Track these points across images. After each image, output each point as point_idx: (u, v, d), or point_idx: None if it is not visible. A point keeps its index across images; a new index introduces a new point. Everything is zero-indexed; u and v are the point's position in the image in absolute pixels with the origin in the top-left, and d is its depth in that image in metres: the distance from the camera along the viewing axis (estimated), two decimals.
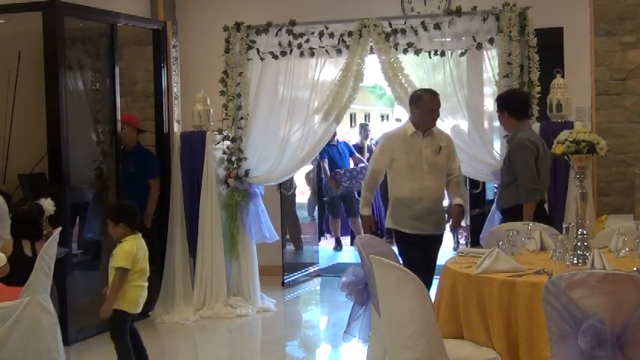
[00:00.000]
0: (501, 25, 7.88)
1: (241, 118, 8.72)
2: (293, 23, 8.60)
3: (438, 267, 6.06)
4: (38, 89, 7.45)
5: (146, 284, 6.26)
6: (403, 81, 8.19)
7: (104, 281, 8.24)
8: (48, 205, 6.55)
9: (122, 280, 6.07)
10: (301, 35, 8.56)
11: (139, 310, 6.32)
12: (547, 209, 7.13)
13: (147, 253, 6.21)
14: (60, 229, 6.29)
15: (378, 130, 17.35)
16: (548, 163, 6.88)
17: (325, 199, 13.03)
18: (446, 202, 7.23)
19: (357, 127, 14.74)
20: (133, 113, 8.99)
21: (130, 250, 6.06)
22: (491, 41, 8.00)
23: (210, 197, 8.61)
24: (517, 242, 5.07)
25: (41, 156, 7.64)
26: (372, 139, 14.43)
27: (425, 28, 8.16)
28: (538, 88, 7.78)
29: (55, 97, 7.37)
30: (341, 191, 12.41)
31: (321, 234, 13.11)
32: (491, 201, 8.98)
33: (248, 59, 8.74)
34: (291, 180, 9.96)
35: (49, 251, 6.03)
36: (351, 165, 12.89)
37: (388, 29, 8.27)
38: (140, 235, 6.19)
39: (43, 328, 6.04)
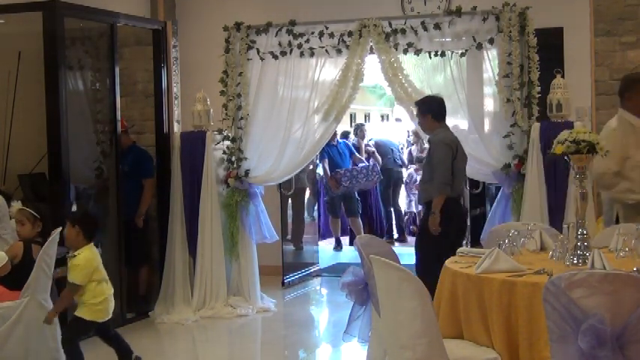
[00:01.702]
0: (501, 25, 7.88)
1: (241, 118, 8.72)
2: (293, 23, 8.60)
3: None
4: (38, 89, 7.44)
5: (111, 291, 6.18)
6: (403, 81, 8.19)
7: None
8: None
9: (72, 295, 6.03)
10: (301, 35, 8.56)
11: (107, 317, 6.20)
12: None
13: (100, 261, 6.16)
14: (60, 229, 6.29)
15: (376, 131, 17.36)
16: (464, 163, 7.43)
17: (325, 198, 13.04)
18: None
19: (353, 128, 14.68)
20: (132, 113, 9.00)
21: (86, 265, 5.96)
22: (491, 41, 8.00)
23: (210, 197, 8.60)
24: (517, 242, 5.08)
25: (41, 156, 7.64)
26: (370, 139, 14.42)
27: (425, 28, 8.16)
28: (538, 88, 7.79)
29: (55, 97, 7.36)
30: (341, 191, 12.41)
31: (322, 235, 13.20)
32: (492, 201, 8.97)
33: (248, 59, 8.75)
34: (291, 180, 9.95)
35: (49, 251, 6.04)
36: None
37: (388, 29, 8.27)
38: (93, 244, 6.12)
39: (43, 328, 6.05)
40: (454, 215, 7.28)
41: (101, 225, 6.33)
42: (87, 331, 6.24)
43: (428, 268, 7.09)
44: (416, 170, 13.50)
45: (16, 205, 6.46)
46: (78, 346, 6.12)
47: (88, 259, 5.96)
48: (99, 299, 6.03)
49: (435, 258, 7.00)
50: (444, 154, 7.22)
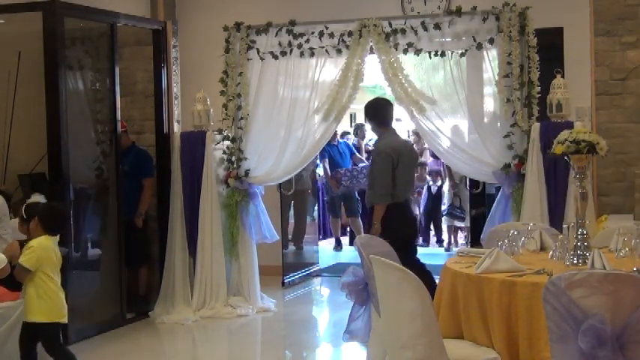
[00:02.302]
0: (501, 25, 7.88)
1: (241, 118, 8.72)
2: (293, 23, 8.60)
3: None
4: (38, 89, 7.44)
5: (61, 293, 5.83)
6: (403, 81, 8.19)
7: (104, 281, 8.32)
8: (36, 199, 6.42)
9: (19, 277, 5.72)
10: (301, 35, 8.56)
11: (62, 319, 5.84)
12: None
13: (59, 260, 5.85)
14: None
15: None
16: (412, 166, 7.75)
17: (325, 198, 13.04)
18: None
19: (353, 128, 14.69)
20: (132, 113, 8.99)
21: (38, 250, 5.68)
22: (491, 41, 8.00)
23: (210, 197, 8.60)
24: (517, 242, 5.08)
25: (41, 156, 7.63)
26: (370, 139, 14.40)
27: (425, 28, 8.16)
28: (538, 88, 7.79)
29: (55, 97, 7.36)
30: (341, 191, 12.41)
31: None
32: (492, 201, 8.96)
33: (248, 59, 8.74)
34: (291, 180, 9.95)
35: None
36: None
37: (388, 29, 8.27)
38: (56, 239, 5.85)
39: None
40: (400, 220, 7.50)
41: (66, 220, 6.05)
42: (56, 332, 5.86)
43: None
44: None
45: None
46: (64, 348, 5.98)
47: (42, 245, 5.72)
48: (44, 296, 5.70)
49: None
50: (383, 164, 7.46)
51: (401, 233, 7.36)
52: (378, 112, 7.76)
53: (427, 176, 12.99)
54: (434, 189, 12.93)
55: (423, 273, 7.51)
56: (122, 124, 8.44)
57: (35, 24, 7.41)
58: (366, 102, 7.93)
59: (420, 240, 12.69)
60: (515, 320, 4.29)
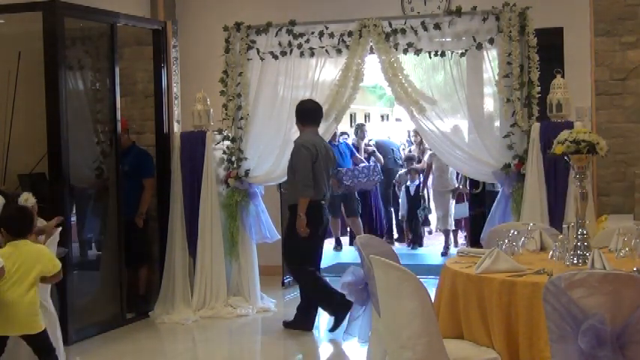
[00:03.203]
0: (501, 25, 7.88)
1: (241, 118, 8.72)
2: (293, 23, 8.60)
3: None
4: (38, 89, 7.44)
5: (27, 298, 5.44)
6: (403, 81, 8.19)
7: (104, 281, 8.32)
8: (24, 200, 6.35)
9: None
10: (301, 35, 8.56)
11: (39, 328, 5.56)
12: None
13: (26, 263, 5.45)
14: (60, 228, 6.29)
15: (376, 131, 17.36)
16: (329, 166, 7.91)
17: None
18: None
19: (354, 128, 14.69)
20: (132, 113, 8.99)
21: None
22: (491, 41, 8.00)
23: (210, 197, 8.60)
24: (517, 242, 5.08)
25: (41, 156, 7.63)
26: (370, 139, 14.41)
27: (425, 28, 8.16)
28: (538, 88, 7.79)
29: (55, 97, 7.36)
30: (342, 190, 12.40)
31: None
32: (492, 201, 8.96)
33: (248, 59, 8.74)
34: None
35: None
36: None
37: (388, 29, 8.27)
38: (26, 242, 5.52)
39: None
40: (316, 218, 7.76)
41: (27, 220, 5.61)
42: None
43: (295, 270, 7.86)
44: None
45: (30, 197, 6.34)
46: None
47: (6, 249, 5.46)
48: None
49: (300, 259, 7.78)
50: (303, 157, 7.70)
51: (318, 230, 7.81)
52: (305, 112, 7.97)
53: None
54: (412, 188, 12.88)
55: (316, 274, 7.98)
56: (125, 123, 8.45)
57: (35, 24, 7.41)
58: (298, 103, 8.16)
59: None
60: (515, 320, 4.29)
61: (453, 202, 12.64)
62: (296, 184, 7.75)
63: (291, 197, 7.98)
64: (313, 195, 7.68)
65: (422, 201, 13.02)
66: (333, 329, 7.78)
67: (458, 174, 12.16)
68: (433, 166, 12.47)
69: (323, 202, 7.89)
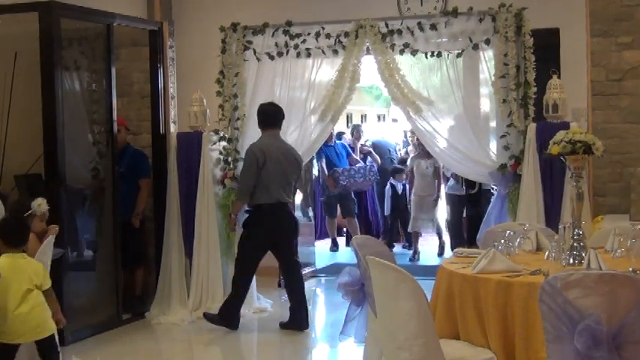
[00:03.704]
0: (498, 25, 7.89)
1: (237, 119, 8.72)
2: (289, 24, 8.60)
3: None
4: (34, 90, 7.43)
5: (24, 310, 5.40)
6: (399, 81, 8.20)
7: (100, 282, 8.31)
8: (37, 205, 6.40)
9: None
10: (298, 36, 8.57)
11: (26, 339, 5.50)
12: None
13: (27, 276, 5.43)
14: (56, 229, 6.28)
15: (373, 131, 17.36)
16: (288, 170, 7.91)
17: (322, 199, 13.03)
18: None
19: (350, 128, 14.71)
20: (128, 114, 8.98)
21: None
22: (487, 42, 8.01)
23: (207, 198, 8.59)
24: (513, 242, 5.09)
25: (37, 157, 7.62)
26: (367, 140, 14.41)
27: (421, 29, 8.17)
28: (534, 89, 7.80)
29: (51, 98, 7.35)
30: (338, 190, 12.41)
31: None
32: (488, 201, 8.97)
33: (244, 60, 8.74)
34: None
35: (45, 252, 6.02)
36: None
37: (385, 30, 8.27)
38: (23, 255, 5.53)
39: None
40: (265, 220, 7.83)
41: (24, 232, 5.62)
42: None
43: (243, 267, 7.95)
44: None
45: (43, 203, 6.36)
46: None
47: (4, 261, 5.45)
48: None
49: (248, 258, 7.91)
50: (248, 163, 7.85)
51: (267, 234, 7.85)
52: (264, 116, 8.03)
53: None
54: (399, 188, 12.82)
55: (292, 275, 8.07)
56: (122, 121, 8.45)
57: (31, 24, 7.40)
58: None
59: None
60: (511, 320, 4.30)
61: (437, 207, 12.32)
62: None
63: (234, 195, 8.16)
64: (263, 199, 7.75)
65: (407, 205, 12.58)
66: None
67: (440, 180, 11.96)
68: (414, 170, 12.06)
69: (279, 205, 7.84)
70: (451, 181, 11.56)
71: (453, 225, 11.58)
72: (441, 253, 12.12)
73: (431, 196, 11.99)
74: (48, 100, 7.36)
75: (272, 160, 7.77)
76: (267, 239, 7.90)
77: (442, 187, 12.11)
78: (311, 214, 11.71)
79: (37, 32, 7.38)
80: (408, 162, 12.70)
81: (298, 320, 7.95)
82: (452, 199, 11.65)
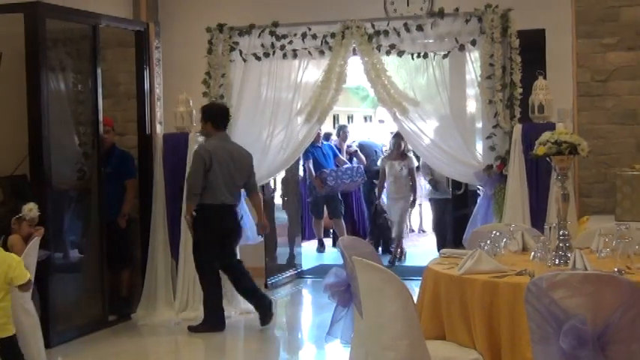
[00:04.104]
0: (484, 26, 7.91)
1: None
2: (276, 25, 8.60)
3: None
4: (20, 91, 7.40)
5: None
6: (386, 82, 8.21)
7: (86, 283, 8.28)
8: (27, 209, 6.43)
9: None
10: (284, 37, 8.56)
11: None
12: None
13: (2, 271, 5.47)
14: (42, 231, 6.26)
15: (359, 132, 17.36)
16: (234, 172, 7.95)
17: (309, 199, 13.02)
18: None
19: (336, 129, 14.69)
20: (114, 115, 8.96)
21: None
22: (473, 43, 8.03)
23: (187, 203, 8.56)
24: (499, 243, 5.09)
25: (22, 158, 7.59)
26: (353, 141, 14.42)
27: (408, 30, 8.18)
28: (520, 90, 7.82)
29: (36, 99, 7.33)
30: (325, 191, 12.40)
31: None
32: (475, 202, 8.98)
33: (231, 60, 8.74)
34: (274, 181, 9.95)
35: (30, 254, 6.00)
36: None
37: (371, 31, 8.28)
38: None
39: (25, 331, 6.02)
40: (210, 220, 7.89)
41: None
42: None
43: (203, 269, 8.04)
44: None
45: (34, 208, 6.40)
46: None
47: None
48: None
49: (205, 259, 7.99)
50: (195, 165, 7.87)
51: (213, 232, 7.90)
52: (218, 114, 8.02)
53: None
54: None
55: (241, 275, 8.17)
56: (109, 121, 8.43)
57: (17, 25, 7.37)
58: (204, 105, 8.25)
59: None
60: (497, 321, 4.30)
61: (409, 211, 12.03)
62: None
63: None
64: (209, 199, 7.82)
65: (378, 207, 12.25)
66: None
67: (415, 182, 11.63)
68: (386, 172, 11.66)
69: (223, 207, 7.92)
70: (429, 186, 11.44)
71: (438, 228, 11.46)
72: (392, 262, 11.54)
73: (404, 199, 11.61)
74: (33, 101, 7.34)
75: (218, 162, 7.82)
76: (214, 236, 7.94)
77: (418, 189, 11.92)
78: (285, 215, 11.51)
79: (22, 33, 7.35)
80: (379, 163, 12.39)
81: (266, 309, 8.00)
82: (433, 204, 11.53)
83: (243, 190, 8.87)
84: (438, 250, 10.46)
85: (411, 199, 11.72)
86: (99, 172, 8.14)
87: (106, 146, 8.36)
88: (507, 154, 7.80)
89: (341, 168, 12.60)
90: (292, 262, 10.90)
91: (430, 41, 8.21)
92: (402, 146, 11.51)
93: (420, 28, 8.14)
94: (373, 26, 8.29)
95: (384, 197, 12.01)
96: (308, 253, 12.40)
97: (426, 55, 8.19)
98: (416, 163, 11.89)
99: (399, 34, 8.21)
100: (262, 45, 8.65)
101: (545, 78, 7.87)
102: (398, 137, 11.37)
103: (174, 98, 8.94)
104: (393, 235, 11.80)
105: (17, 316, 5.94)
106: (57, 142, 7.64)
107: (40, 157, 7.34)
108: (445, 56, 8.16)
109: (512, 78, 7.81)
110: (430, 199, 11.73)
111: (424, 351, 4.11)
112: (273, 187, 10.32)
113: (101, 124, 8.13)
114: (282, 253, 10.72)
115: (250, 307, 8.75)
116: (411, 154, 11.73)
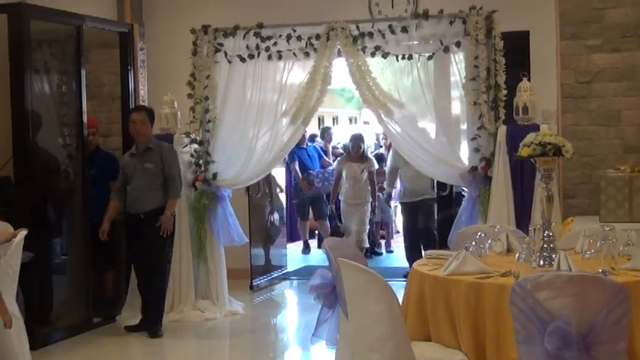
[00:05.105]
0: (468, 28, 7.92)
1: (209, 121, 8.69)
2: (261, 26, 8.59)
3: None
4: (3, 92, 7.38)
5: None
6: (371, 84, 8.21)
7: (71, 285, 8.25)
8: None
9: None
10: (269, 38, 8.56)
11: None
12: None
13: None
14: (25, 232, 6.24)
15: (344, 134, 17.37)
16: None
17: (294, 201, 13.02)
18: None
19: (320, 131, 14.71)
20: (99, 116, 8.93)
21: None
22: (458, 44, 8.04)
23: (178, 200, 8.55)
24: (484, 244, 5.10)
25: (6, 159, 7.56)
26: (338, 142, 14.42)
27: (392, 32, 8.19)
28: (504, 91, 7.83)
29: (20, 100, 7.30)
30: (311, 193, 12.41)
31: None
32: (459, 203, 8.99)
33: (215, 62, 8.72)
34: (259, 183, 9.92)
35: (14, 255, 5.98)
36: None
37: (356, 32, 8.28)
38: None
39: (9, 333, 5.99)
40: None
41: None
42: None
43: (164, 267, 8.20)
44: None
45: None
46: None
47: None
48: None
49: (165, 258, 8.20)
50: (179, 162, 8.20)
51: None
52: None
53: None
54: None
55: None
56: (93, 122, 8.40)
57: (0, 26, 7.34)
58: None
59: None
60: (482, 322, 4.31)
61: (368, 216, 11.28)
62: (163, 187, 7.98)
63: (153, 201, 7.98)
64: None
65: (334, 212, 11.85)
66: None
67: (375, 186, 11.23)
68: (344, 174, 11.15)
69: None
70: (399, 190, 10.91)
71: (408, 233, 10.59)
72: None
73: (363, 203, 11.13)
74: (17, 103, 7.31)
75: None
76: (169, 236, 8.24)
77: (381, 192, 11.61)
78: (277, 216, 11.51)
79: (6, 34, 7.32)
80: (335, 165, 11.89)
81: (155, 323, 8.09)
82: (403, 208, 10.73)
83: (229, 193, 8.91)
84: (407, 256, 10.35)
85: (372, 204, 11.24)
86: (83, 174, 8.11)
87: (90, 148, 8.33)
88: (492, 156, 7.82)
89: (327, 169, 12.61)
90: (269, 265, 10.73)
91: (415, 43, 8.22)
92: (362, 147, 11.12)
93: (404, 29, 8.15)
94: (358, 28, 8.30)
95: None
96: (293, 254, 12.40)
97: (410, 57, 8.20)
98: (376, 166, 11.49)
99: (383, 36, 8.22)
100: (247, 46, 8.64)
101: (529, 79, 7.89)
102: (358, 139, 11.21)
103: (158, 99, 8.93)
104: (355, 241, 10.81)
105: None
106: (41, 143, 7.61)
107: (24, 158, 7.32)
108: (430, 58, 8.17)
109: (496, 79, 7.83)
110: (400, 203, 10.94)
111: (409, 352, 4.11)
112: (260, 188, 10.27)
113: (85, 125, 8.11)
114: (268, 254, 10.70)
115: (237, 308, 8.77)
116: (371, 157, 11.59)
